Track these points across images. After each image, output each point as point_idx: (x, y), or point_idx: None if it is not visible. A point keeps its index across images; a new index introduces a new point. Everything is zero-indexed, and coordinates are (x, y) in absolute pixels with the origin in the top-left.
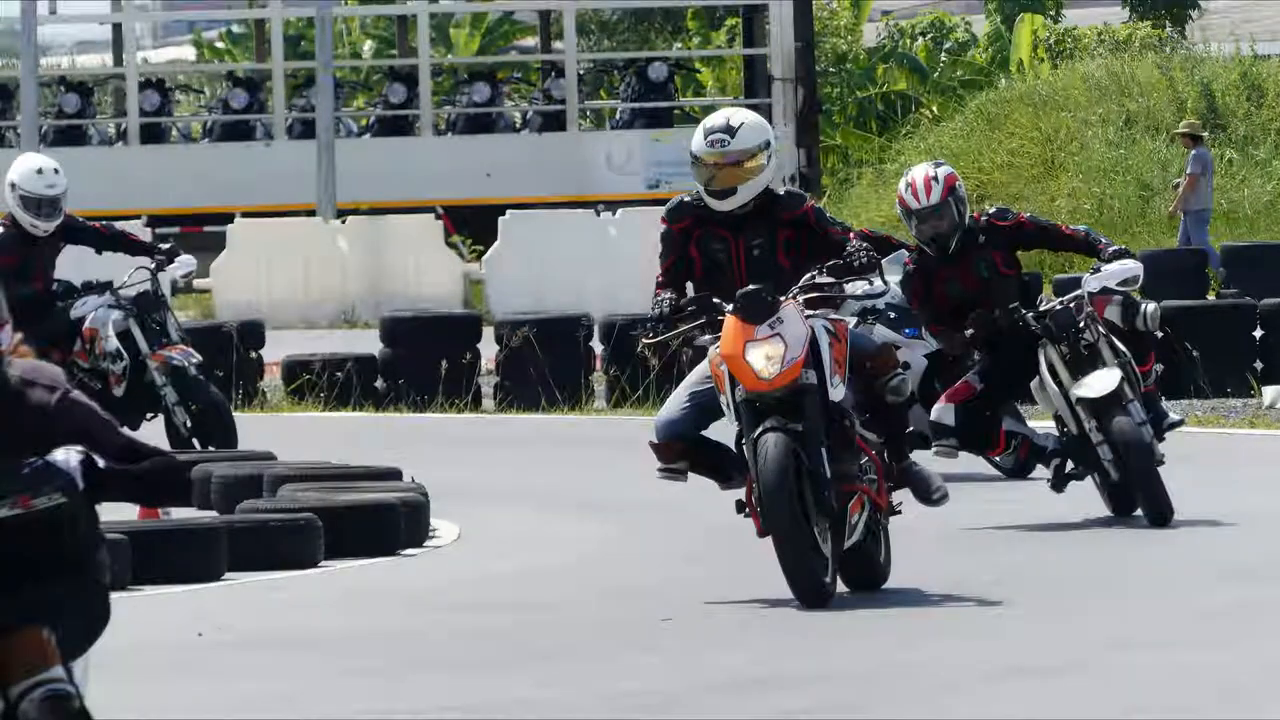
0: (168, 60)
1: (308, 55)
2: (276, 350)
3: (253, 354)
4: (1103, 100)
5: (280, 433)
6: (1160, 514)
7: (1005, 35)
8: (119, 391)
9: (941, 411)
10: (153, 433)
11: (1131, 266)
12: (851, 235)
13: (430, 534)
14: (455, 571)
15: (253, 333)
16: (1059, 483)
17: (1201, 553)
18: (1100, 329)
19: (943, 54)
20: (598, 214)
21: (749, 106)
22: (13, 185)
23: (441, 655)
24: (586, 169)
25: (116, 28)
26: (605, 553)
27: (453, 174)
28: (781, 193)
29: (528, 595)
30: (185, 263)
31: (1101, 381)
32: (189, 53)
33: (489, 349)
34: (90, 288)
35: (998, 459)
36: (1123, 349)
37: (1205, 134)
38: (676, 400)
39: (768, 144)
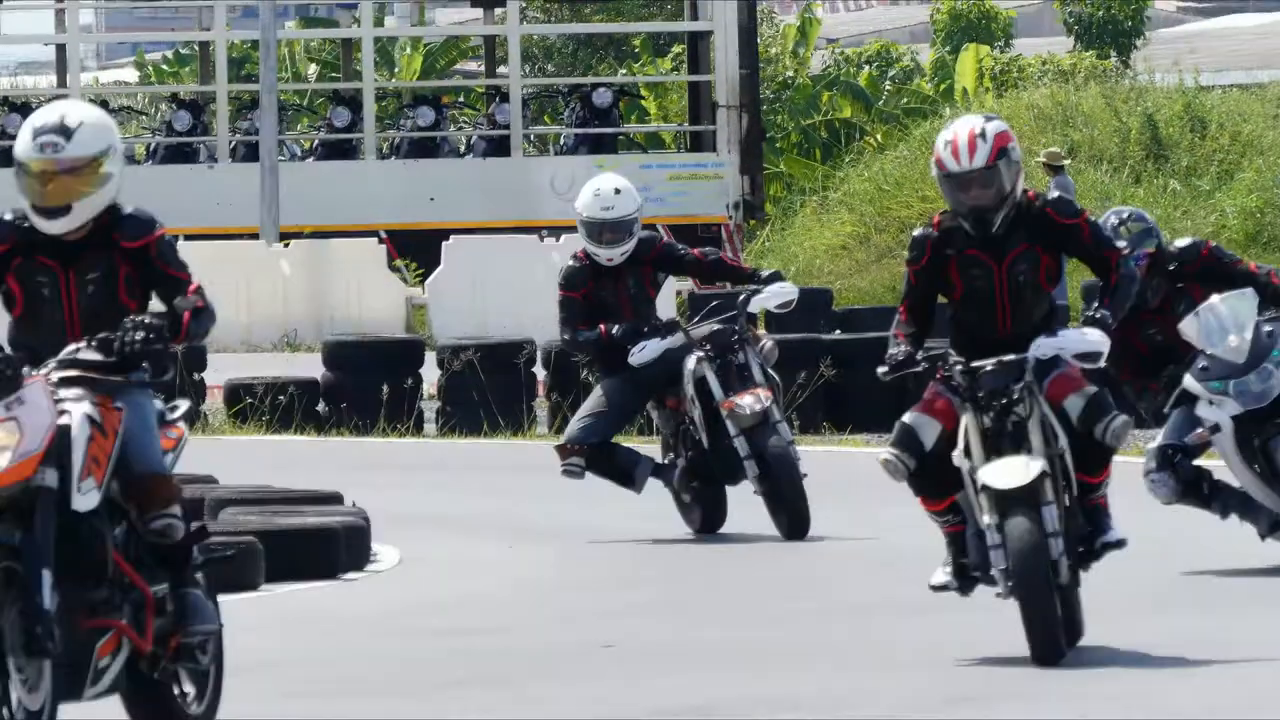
0: (111, 82)
1: (252, 78)
2: (219, 373)
3: (195, 376)
4: (1047, 130)
5: (222, 456)
6: (1044, 656)
7: (951, 64)
8: (705, 443)
9: (923, 423)
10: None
11: (1094, 341)
12: (194, 284)
13: (371, 558)
14: (396, 596)
15: (195, 355)
16: (963, 584)
17: None
18: (1043, 408)
19: (887, 82)
20: (541, 239)
21: (693, 133)
22: (579, 213)
23: (380, 680)
24: (530, 194)
25: (60, 48)
26: (545, 578)
27: (396, 198)
28: (128, 212)
29: (467, 621)
30: (777, 292)
31: (1014, 471)
32: (133, 74)
33: (431, 374)
34: (656, 329)
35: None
36: (1062, 441)
37: (1066, 162)
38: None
39: (111, 149)
